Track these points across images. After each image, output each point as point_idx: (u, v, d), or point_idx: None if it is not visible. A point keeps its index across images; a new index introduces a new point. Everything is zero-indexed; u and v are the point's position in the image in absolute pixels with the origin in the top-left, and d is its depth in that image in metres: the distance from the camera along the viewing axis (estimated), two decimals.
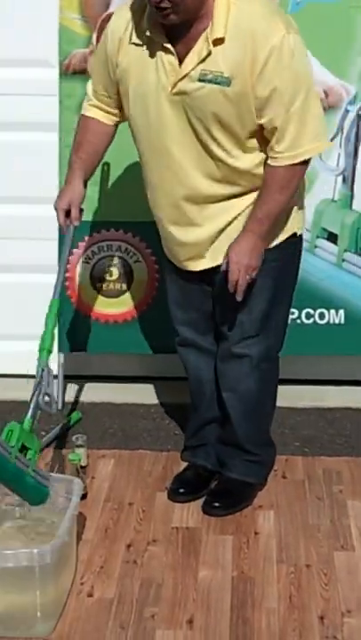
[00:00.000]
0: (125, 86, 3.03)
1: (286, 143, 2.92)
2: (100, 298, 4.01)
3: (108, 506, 3.41)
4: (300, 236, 3.24)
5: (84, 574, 3.06)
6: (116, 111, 3.18)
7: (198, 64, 2.87)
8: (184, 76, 2.89)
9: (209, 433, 3.49)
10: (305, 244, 3.80)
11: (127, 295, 4.00)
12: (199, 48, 2.86)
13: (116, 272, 3.98)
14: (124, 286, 4.00)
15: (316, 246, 3.95)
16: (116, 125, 3.24)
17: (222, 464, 3.46)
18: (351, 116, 3.85)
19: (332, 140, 3.78)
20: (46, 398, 3.10)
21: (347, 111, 3.83)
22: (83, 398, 4.18)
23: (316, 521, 3.33)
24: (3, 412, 4.01)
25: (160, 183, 3.10)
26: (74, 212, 3.22)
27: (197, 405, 3.49)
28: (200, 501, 3.40)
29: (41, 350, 3.16)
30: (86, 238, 3.96)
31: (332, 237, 3.97)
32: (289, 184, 2.99)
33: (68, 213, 3.23)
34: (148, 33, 2.91)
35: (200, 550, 3.18)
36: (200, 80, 2.88)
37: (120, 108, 3.15)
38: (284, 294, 3.27)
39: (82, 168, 3.23)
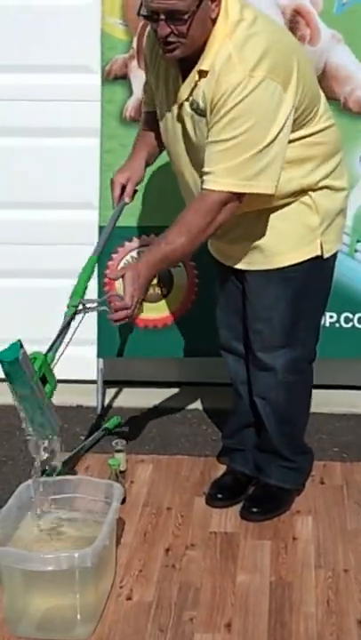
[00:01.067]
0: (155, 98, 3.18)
1: (211, 167, 2.92)
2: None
3: (146, 510, 3.47)
4: (329, 259, 3.24)
5: (124, 578, 3.12)
6: None
7: (190, 93, 2.97)
8: (182, 103, 3.01)
9: (247, 437, 3.54)
10: (345, 249, 3.90)
11: (167, 300, 4.06)
12: (191, 77, 2.95)
13: (155, 277, 4.01)
14: (164, 291, 4.05)
15: (356, 250, 3.98)
16: None
17: (260, 470, 3.51)
18: None
19: None
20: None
21: None
22: (122, 403, 4.25)
23: (355, 526, 3.37)
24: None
25: (181, 184, 3.26)
26: (129, 188, 3.31)
27: (236, 408, 3.55)
28: (238, 506, 3.45)
29: (74, 295, 3.27)
30: (126, 244, 4.01)
31: None
32: (201, 227, 2.97)
33: (122, 189, 3.31)
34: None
35: (238, 555, 3.23)
36: (191, 108, 2.98)
37: None
38: (310, 307, 3.28)
39: (146, 150, 3.33)
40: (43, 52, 4.06)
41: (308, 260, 3.17)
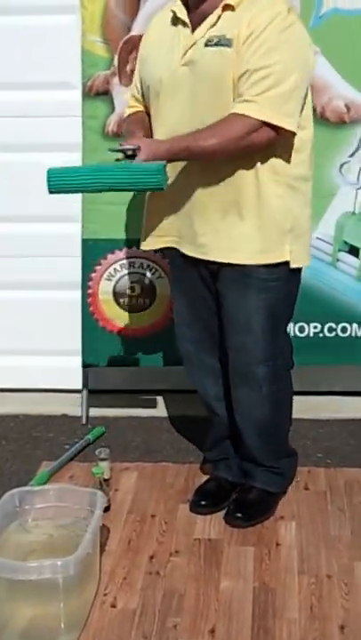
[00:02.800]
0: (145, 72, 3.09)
1: (258, 90, 2.81)
2: (124, 313, 3.97)
3: (131, 518, 3.36)
4: (300, 270, 3.14)
5: (108, 585, 3.01)
6: None
7: (207, 30, 2.89)
8: (193, 45, 2.91)
9: (228, 446, 3.43)
10: (328, 258, 3.85)
11: (149, 310, 3.97)
12: (211, 17, 2.90)
13: (138, 288, 3.94)
14: (147, 302, 3.96)
15: (337, 260, 3.89)
16: None
17: (245, 474, 3.41)
18: None
19: (352, 155, 3.75)
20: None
21: None
22: (107, 412, 4.13)
23: (338, 532, 3.26)
24: (29, 427, 4.01)
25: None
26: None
27: (213, 422, 3.44)
28: (222, 513, 3.35)
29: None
30: (109, 256, 3.92)
31: (354, 251, 3.90)
32: (237, 139, 2.83)
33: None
34: (173, 8, 2.98)
35: (222, 561, 3.12)
36: (206, 45, 2.88)
37: None
38: (285, 315, 3.20)
39: (142, 129, 3.11)
40: (26, 70, 3.98)
41: (284, 266, 3.04)
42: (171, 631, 2.80)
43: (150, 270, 3.91)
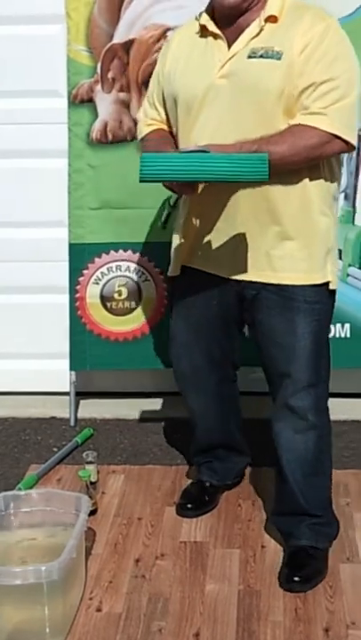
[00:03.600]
0: (172, 85, 2.88)
1: (327, 102, 2.66)
2: (111, 316, 3.91)
3: (117, 521, 3.30)
4: (335, 292, 2.93)
5: (94, 589, 2.95)
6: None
7: (249, 42, 2.74)
8: (232, 57, 2.75)
9: (216, 454, 3.34)
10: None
11: (136, 313, 3.90)
12: (250, 30, 2.74)
13: (125, 291, 3.88)
14: (133, 304, 3.90)
15: (348, 275, 3.86)
16: None
17: (288, 534, 3.06)
18: None
19: None
20: None
21: None
22: (95, 415, 4.08)
23: None
24: (17, 430, 3.95)
25: None
26: None
27: (198, 431, 3.33)
28: (208, 515, 3.29)
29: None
30: (96, 259, 3.86)
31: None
32: (307, 150, 2.68)
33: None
34: (202, 22, 2.82)
35: (207, 564, 3.06)
36: (250, 57, 2.72)
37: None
38: (327, 340, 2.95)
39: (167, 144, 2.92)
40: (13, 78, 3.94)
41: (324, 288, 2.87)
42: (156, 635, 2.75)
43: (137, 274, 3.85)
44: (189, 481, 3.47)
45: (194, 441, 3.38)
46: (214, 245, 2.90)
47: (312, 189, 2.80)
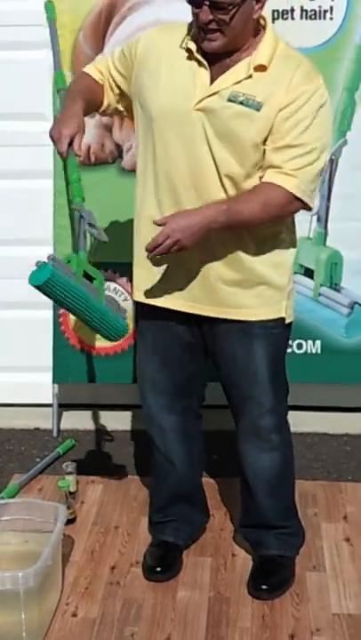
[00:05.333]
0: (148, 80, 2.74)
1: (298, 165, 2.64)
2: (92, 333, 3.89)
3: (95, 529, 3.33)
4: (290, 324, 2.96)
5: (70, 595, 2.98)
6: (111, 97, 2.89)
7: (233, 85, 2.65)
8: (214, 94, 2.66)
9: (179, 510, 3.15)
10: (309, 293, 3.90)
11: None
12: (237, 71, 2.65)
13: None
14: None
15: (320, 294, 3.90)
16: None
17: (257, 543, 3.09)
18: None
19: None
20: (93, 230, 2.74)
21: None
22: (77, 426, 4.10)
23: None
24: (1, 441, 3.97)
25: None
26: (77, 141, 2.68)
27: (164, 479, 3.13)
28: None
29: (73, 197, 2.78)
30: None
31: (309, 273, 3.91)
32: (275, 209, 2.68)
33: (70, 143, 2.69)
34: (187, 45, 2.69)
35: (180, 571, 3.09)
36: (230, 100, 2.64)
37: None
38: (284, 364, 2.98)
39: (83, 99, 2.77)
40: (0, 101, 3.96)
41: (280, 321, 2.88)
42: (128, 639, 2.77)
43: (117, 293, 3.88)
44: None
45: (155, 496, 3.21)
46: (170, 280, 2.84)
47: (272, 241, 2.80)
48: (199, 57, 2.69)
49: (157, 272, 2.85)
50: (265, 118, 2.64)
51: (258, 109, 2.64)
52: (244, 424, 2.97)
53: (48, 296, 2.68)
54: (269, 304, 2.85)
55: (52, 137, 2.73)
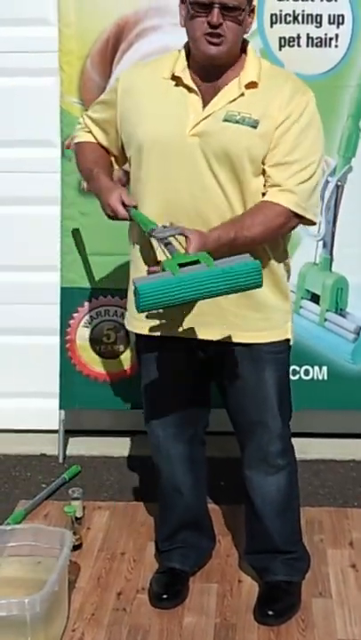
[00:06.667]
0: (135, 128, 2.76)
1: (297, 180, 2.67)
2: (99, 359, 3.98)
3: (101, 555, 3.34)
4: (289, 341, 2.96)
5: (76, 621, 2.99)
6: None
7: (227, 104, 2.68)
8: (208, 116, 2.68)
9: (186, 537, 3.14)
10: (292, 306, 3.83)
11: (123, 356, 3.97)
12: (228, 91, 2.68)
13: (113, 335, 3.95)
14: (121, 348, 3.97)
15: (300, 307, 3.91)
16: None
17: (263, 570, 3.09)
18: (331, 186, 3.83)
19: None
20: (168, 232, 2.63)
21: (327, 182, 3.80)
22: (83, 452, 4.11)
23: None
24: (8, 467, 3.99)
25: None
26: (124, 196, 2.74)
27: (172, 507, 3.12)
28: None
29: (147, 227, 2.69)
30: (86, 303, 3.94)
31: (315, 298, 3.94)
32: (276, 227, 2.69)
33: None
34: (177, 73, 2.72)
35: (186, 597, 3.09)
36: (226, 120, 2.67)
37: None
38: (289, 387, 3.01)
39: (102, 170, 2.86)
40: (9, 128, 4.02)
41: (285, 342, 2.92)
42: None
43: (124, 318, 3.90)
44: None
45: (162, 524, 3.20)
46: (178, 311, 2.78)
47: (274, 262, 2.83)
48: (189, 83, 2.71)
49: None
50: (262, 135, 2.67)
51: (255, 127, 2.66)
52: (251, 449, 2.98)
53: (164, 307, 2.59)
54: (276, 326, 2.88)
55: (109, 216, 2.79)
